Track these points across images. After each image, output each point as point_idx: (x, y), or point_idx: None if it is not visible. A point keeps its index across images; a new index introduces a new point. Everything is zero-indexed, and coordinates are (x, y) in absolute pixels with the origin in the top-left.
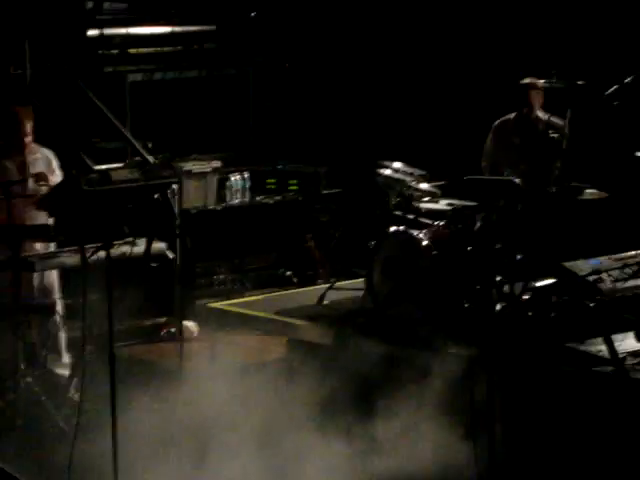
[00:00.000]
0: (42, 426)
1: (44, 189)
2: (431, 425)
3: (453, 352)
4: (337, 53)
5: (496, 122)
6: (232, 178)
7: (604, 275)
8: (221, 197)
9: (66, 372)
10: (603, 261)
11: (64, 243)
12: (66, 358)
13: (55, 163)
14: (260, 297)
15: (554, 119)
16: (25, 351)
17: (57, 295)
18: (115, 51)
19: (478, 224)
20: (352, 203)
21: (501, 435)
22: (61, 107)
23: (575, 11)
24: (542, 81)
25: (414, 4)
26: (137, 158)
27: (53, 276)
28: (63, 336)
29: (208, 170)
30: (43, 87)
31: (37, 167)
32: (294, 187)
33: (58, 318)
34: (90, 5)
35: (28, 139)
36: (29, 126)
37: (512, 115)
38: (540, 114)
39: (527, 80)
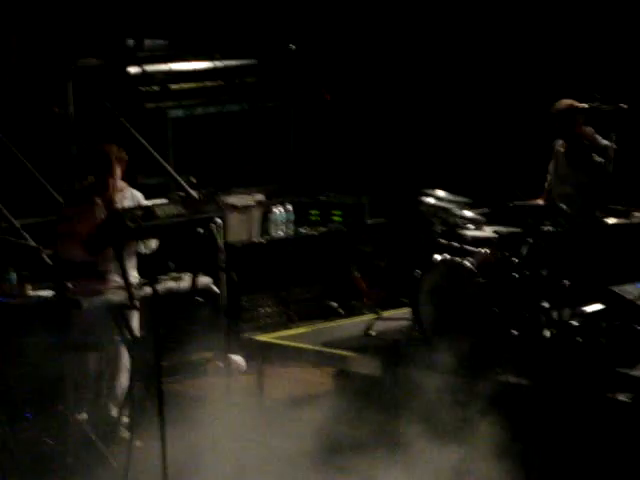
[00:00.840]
0: (92, 464)
1: None
2: (485, 453)
3: (503, 380)
4: (377, 83)
5: (556, 142)
6: (275, 211)
7: None
8: (265, 230)
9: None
10: None
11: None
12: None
13: (142, 199)
14: (307, 329)
15: (599, 140)
16: (73, 388)
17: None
18: (156, 87)
19: (523, 248)
20: (396, 233)
21: (554, 463)
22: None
23: (619, 32)
24: (586, 104)
25: (455, 37)
26: (180, 193)
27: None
28: (121, 375)
29: (251, 203)
30: (86, 126)
31: (125, 204)
32: (338, 218)
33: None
34: (131, 42)
35: (115, 180)
36: (119, 167)
37: (559, 142)
38: (588, 132)
39: (569, 101)
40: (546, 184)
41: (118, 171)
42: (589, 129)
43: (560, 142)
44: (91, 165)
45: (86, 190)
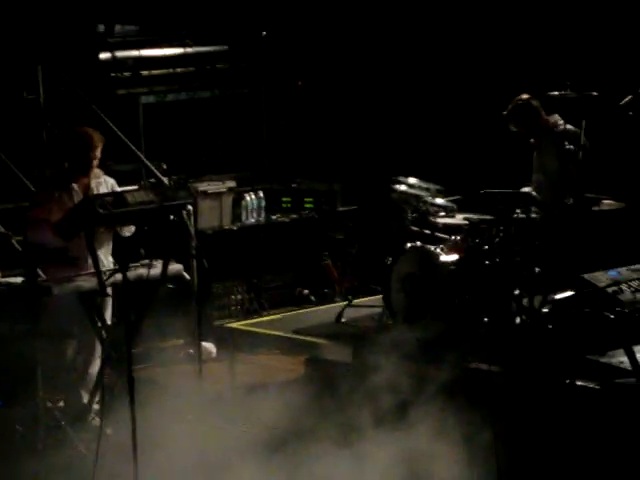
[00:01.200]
0: (62, 451)
1: None
2: (451, 441)
3: (474, 367)
4: (349, 69)
5: None
6: (247, 197)
7: (624, 286)
8: (236, 217)
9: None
10: (622, 272)
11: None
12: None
13: (116, 186)
14: (278, 316)
15: (570, 128)
16: (45, 376)
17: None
18: (127, 73)
19: (495, 237)
20: (368, 220)
21: (522, 451)
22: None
23: (588, 22)
24: (556, 92)
25: (425, 19)
26: (152, 180)
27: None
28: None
29: (223, 190)
30: (56, 111)
31: (100, 190)
32: (309, 205)
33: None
34: (102, 28)
35: (96, 162)
36: (99, 150)
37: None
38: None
39: (517, 98)
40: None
41: (98, 154)
42: (554, 117)
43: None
44: (70, 148)
45: (60, 175)
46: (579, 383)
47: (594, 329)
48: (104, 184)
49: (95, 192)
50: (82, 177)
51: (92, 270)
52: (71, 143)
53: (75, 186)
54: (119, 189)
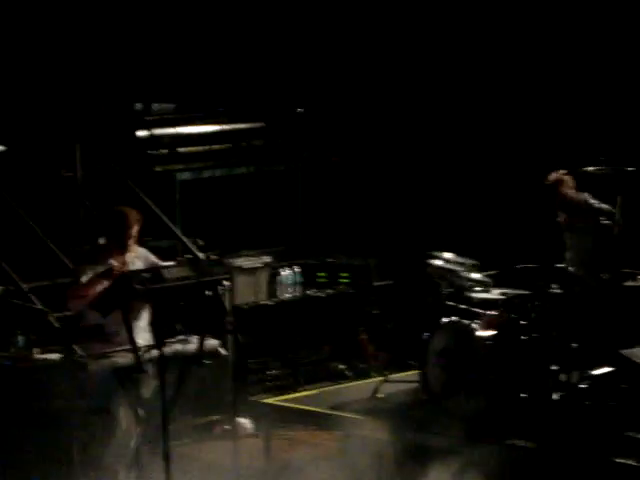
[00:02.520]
0: None
1: None
2: None
3: (512, 444)
4: (384, 145)
5: None
6: (283, 273)
7: None
8: (272, 292)
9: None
10: None
11: None
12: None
13: (154, 258)
14: (314, 392)
15: (604, 206)
16: (81, 452)
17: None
18: (164, 151)
19: (532, 312)
20: (404, 295)
21: None
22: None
23: (623, 96)
24: (592, 168)
25: (462, 103)
26: (188, 256)
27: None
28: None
29: (259, 265)
30: (94, 188)
31: (136, 265)
32: (345, 280)
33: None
34: (139, 106)
35: (132, 241)
36: (136, 229)
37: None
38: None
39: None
40: None
41: (135, 233)
42: (583, 195)
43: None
44: (108, 226)
45: (97, 251)
46: (618, 460)
47: (632, 405)
48: (140, 257)
49: (131, 266)
50: (118, 253)
51: (129, 346)
52: (109, 221)
53: (113, 262)
54: (156, 260)
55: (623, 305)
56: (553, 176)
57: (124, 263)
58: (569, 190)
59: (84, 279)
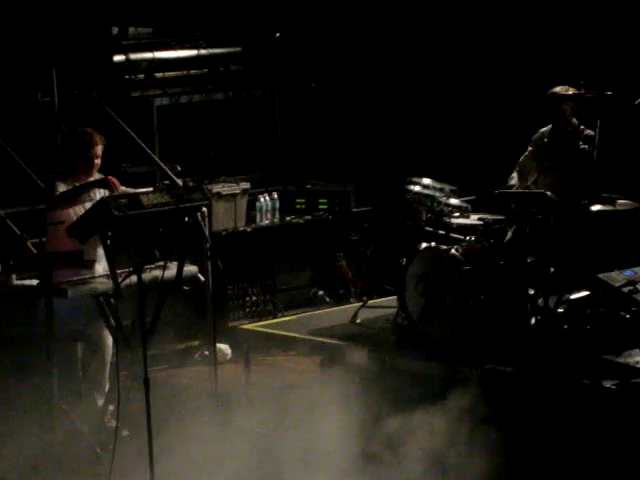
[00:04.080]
0: (79, 453)
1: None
2: (469, 441)
3: (489, 367)
4: (363, 70)
5: (536, 134)
6: (261, 199)
7: (639, 286)
8: (251, 218)
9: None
10: (638, 271)
11: None
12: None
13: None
14: (293, 317)
15: (585, 130)
16: (61, 378)
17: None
18: (141, 76)
19: (508, 235)
20: (382, 220)
21: (540, 451)
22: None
23: (601, 20)
24: (572, 91)
25: (439, 23)
26: (166, 182)
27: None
28: (107, 364)
29: (237, 192)
30: (71, 113)
31: (100, 192)
32: (324, 206)
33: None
34: (115, 31)
35: (98, 162)
36: (100, 149)
37: (548, 128)
38: (574, 123)
39: (558, 88)
40: (515, 179)
41: (99, 152)
42: (574, 119)
43: (540, 134)
44: (72, 148)
45: (63, 174)
46: (595, 383)
47: (610, 329)
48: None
49: (97, 194)
50: (84, 176)
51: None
52: (72, 143)
53: (77, 185)
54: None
55: (600, 230)
56: (556, 88)
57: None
58: (569, 109)
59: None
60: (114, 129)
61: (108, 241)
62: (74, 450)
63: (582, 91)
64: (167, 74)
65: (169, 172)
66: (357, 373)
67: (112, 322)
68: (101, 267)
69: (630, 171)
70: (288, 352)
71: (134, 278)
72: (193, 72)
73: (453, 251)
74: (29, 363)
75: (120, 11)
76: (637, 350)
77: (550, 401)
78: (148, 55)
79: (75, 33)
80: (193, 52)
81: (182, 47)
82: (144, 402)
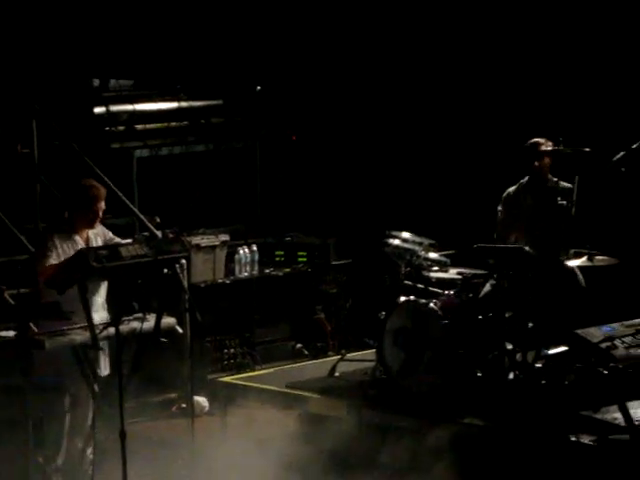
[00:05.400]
0: None
1: None
2: None
3: (467, 423)
4: (343, 123)
5: (506, 192)
6: (240, 251)
7: (617, 342)
8: (230, 270)
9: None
10: (616, 327)
11: None
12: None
13: (112, 236)
14: (271, 370)
15: (563, 184)
16: (35, 430)
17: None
18: (122, 127)
19: (486, 289)
20: (361, 274)
21: None
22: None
23: (581, 78)
24: (549, 148)
25: (417, 74)
26: (145, 233)
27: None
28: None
29: (216, 244)
30: (51, 165)
31: (98, 241)
32: (303, 259)
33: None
34: (96, 83)
35: (101, 214)
36: (103, 205)
37: (525, 179)
38: (550, 177)
39: (539, 139)
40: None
41: (103, 206)
42: (550, 175)
43: (512, 192)
44: (76, 200)
45: (63, 226)
46: (573, 439)
47: (588, 385)
48: (99, 233)
49: (94, 242)
50: (85, 229)
51: (85, 324)
52: (77, 195)
53: (77, 237)
54: (114, 237)
55: (578, 285)
56: (536, 139)
57: (87, 239)
58: (548, 162)
59: (53, 257)
60: (95, 180)
61: (101, 290)
62: None
63: (560, 147)
64: (148, 126)
65: (148, 224)
66: (335, 427)
67: (89, 373)
68: (98, 316)
69: (608, 227)
70: (266, 405)
71: (112, 330)
72: (174, 124)
73: (432, 305)
74: (6, 415)
75: (101, 63)
76: (614, 406)
77: (528, 456)
78: (129, 107)
79: (56, 84)
80: (174, 104)
81: (163, 99)
82: (120, 455)
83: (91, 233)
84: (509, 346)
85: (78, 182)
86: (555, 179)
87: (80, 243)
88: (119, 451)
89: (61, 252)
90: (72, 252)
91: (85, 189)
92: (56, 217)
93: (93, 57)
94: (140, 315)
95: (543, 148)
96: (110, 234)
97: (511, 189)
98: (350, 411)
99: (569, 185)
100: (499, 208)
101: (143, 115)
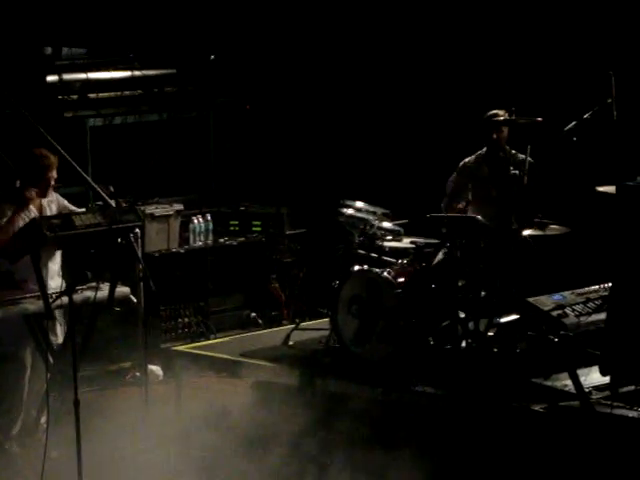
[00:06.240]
0: (7, 474)
1: None
2: (399, 466)
3: (420, 390)
4: (296, 92)
5: (462, 161)
6: (194, 220)
7: (568, 310)
8: (184, 240)
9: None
10: (567, 296)
11: None
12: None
13: (67, 204)
14: (225, 339)
15: (517, 155)
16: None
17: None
18: (75, 96)
19: (439, 257)
20: (315, 243)
21: (468, 475)
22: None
23: (536, 48)
24: (501, 117)
25: (370, 44)
26: (99, 202)
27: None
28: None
29: (170, 213)
30: (3, 133)
31: (52, 209)
32: (257, 228)
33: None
34: (49, 51)
35: (53, 182)
36: (55, 172)
37: (482, 150)
38: (506, 148)
39: (498, 111)
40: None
41: (55, 174)
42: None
43: (467, 162)
44: (28, 168)
45: (15, 194)
46: (524, 406)
47: (539, 352)
48: (54, 201)
49: (48, 211)
50: (38, 197)
51: (38, 292)
52: (29, 164)
53: (31, 206)
54: (69, 205)
55: (530, 254)
56: (493, 111)
57: (40, 207)
58: (505, 133)
59: (3, 222)
60: (47, 149)
61: (56, 259)
62: (2, 471)
63: (513, 117)
64: (101, 95)
65: (102, 193)
66: (289, 395)
67: (43, 343)
68: (53, 283)
69: (559, 196)
70: (220, 374)
71: (65, 299)
72: (127, 93)
73: (385, 274)
74: None
75: (54, 31)
76: (565, 374)
77: (480, 424)
78: (82, 76)
79: (8, 53)
80: (127, 73)
81: (116, 68)
82: (74, 423)
83: (45, 201)
84: (462, 314)
85: (29, 151)
86: (513, 151)
87: (33, 211)
88: (73, 419)
89: (12, 221)
90: (26, 220)
91: (36, 158)
92: (7, 186)
93: (45, 25)
94: (94, 284)
95: (500, 119)
96: (65, 202)
97: (468, 159)
98: (303, 379)
99: (522, 156)
100: (451, 178)
101: (96, 84)
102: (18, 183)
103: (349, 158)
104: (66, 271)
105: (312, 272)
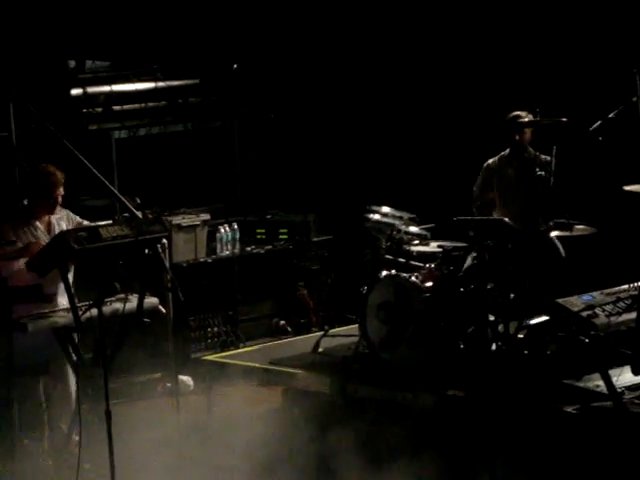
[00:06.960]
0: None
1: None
2: (432, 470)
3: (450, 395)
4: (321, 100)
5: (486, 163)
6: (221, 230)
7: (598, 310)
8: (211, 249)
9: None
10: (596, 296)
11: None
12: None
13: (78, 218)
14: (255, 347)
15: (541, 156)
16: (22, 413)
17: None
18: (99, 109)
19: (468, 263)
20: (342, 249)
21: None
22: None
23: (558, 48)
24: (526, 119)
25: (396, 49)
26: (125, 214)
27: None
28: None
29: (197, 223)
30: (29, 148)
31: (62, 226)
32: (284, 236)
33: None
34: (73, 64)
35: (60, 200)
36: (61, 190)
37: (506, 152)
38: (530, 150)
39: (520, 112)
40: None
41: (62, 191)
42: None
43: (492, 164)
44: (34, 186)
45: (22, 212)
46: (556, 407)
47: (570, 353)
48: (63, 218)
49: (57, 228)
50: (45, 214)
51: (67, 306)
52: (35, 182)
53: (37, 223)
54: (82, 220)
55: (558, 255)
56: (520, 115)
57: (49, 224)
58: (529, 134)
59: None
60: (72, 162)
61: (68, 275)
62: None
63: (538, 118)
64: (125, 107)
65: (128, 204)
66: (320, 402)
67: (73, 355)
68: (64, 300)
69: (586, 197)
70: (250, 382)
71: (94, 311)
72: (151, 105)
73: (413, 279)
74: None
75: (77, 45)
76: (596, 374)
77: (511, 426)
78: (106, 88)
79: (32, 67)
80: (151, 85)
81: (140, 80)
82: (106, 435)
83: (53, 218)
84: (491, 317)
85: (36, 169)
86: (536, 152)
87: (40, 229)
88: (104, 431)
89: (17, 240)
90: (31, 239)
91: (43, 176)
92: (12, 205)
93: (69, 38)
94: (122, 296)
95: (524, 120)
96: (78, 218)
97: (491, 160)
98: (334, 386)
99: (548, 158)
100: (476, 184)
101: (120, 96)
102: (26, 201)
103: (374, 164)
104: (95, 283)
105: (340, 278)
